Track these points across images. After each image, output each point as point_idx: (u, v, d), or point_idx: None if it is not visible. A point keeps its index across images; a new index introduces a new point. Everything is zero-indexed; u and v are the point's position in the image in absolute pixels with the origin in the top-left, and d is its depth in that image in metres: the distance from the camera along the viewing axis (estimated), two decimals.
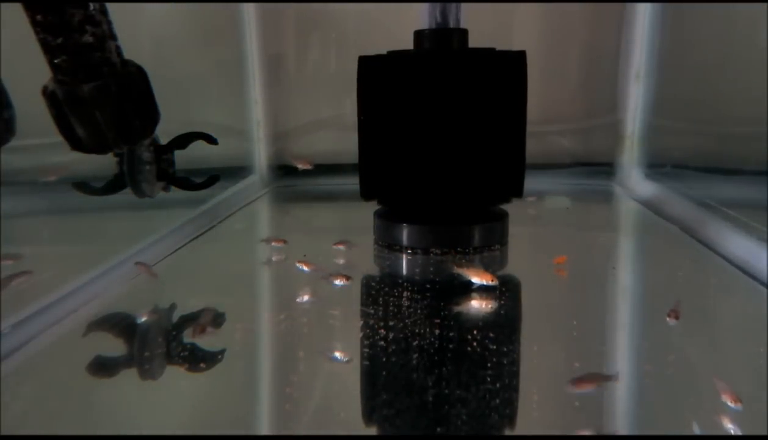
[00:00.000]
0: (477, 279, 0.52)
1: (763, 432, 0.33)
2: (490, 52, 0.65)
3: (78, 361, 0.43)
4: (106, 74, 0.50)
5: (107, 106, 0.51)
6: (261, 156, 1.10)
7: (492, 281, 0.52)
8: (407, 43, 0.67)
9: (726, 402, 0.37)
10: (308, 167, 0.52)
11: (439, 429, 0.34)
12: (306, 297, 0.54)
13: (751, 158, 0.69)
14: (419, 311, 0.49)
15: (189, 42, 0.91)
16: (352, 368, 0.41)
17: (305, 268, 0.60)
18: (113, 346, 0.46)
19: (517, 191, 0.67)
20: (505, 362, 0.41)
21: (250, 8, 1.06)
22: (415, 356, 0.42)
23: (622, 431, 0.34)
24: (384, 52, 0.66)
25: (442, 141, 0.63)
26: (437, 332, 0.45)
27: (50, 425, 0.34)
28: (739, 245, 0.62)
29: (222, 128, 0.98)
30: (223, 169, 0.78)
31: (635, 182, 0.99)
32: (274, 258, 0.66)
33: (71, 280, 0.54)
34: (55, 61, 0.48)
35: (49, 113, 0.52)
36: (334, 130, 1.10)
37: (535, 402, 0.36)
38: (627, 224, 0.87)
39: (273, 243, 0.69)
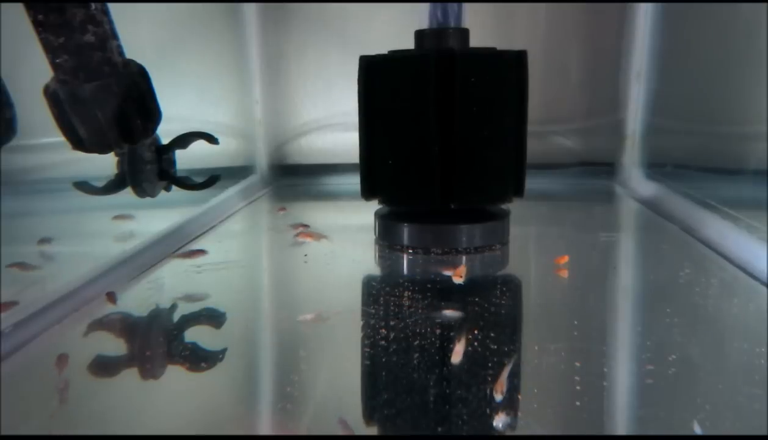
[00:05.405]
0: (448, 272, 0.55)
1: (763, 432, 0.33)
2: (491, 51, 0.65)
3: (78, 361, 0.43)
4: (107, 74, 0.50)
5: (108, 105, 0.51)
6: (261, 156, 1.10)
7: (459, 279, 0.54)
8: (408, 43, 0.67)
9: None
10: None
11: (439, 429, 0.34)
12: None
13: (751, 158, 0.69)
14: (420, 311, 0.49)
15: (189, 42, 0.91)
16: (353, 367, 0.41)
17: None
18: (114, 346, 0.46)
19: (518, 191, 0.67)
20: (505, 361, 0.41)
21: (250, 8, 1.06)
22: (416, 355, 0.42)
23: (623, 431, 0.34)
24: (385, 51, 0.66)
25: (443, 140, 0.63)
26: (438, 331, 0.45)
27: (50, 425, 0.34)
28: (740, 244, 0.62)
29: (222, 128, 0.98)
30: (223, 169, 0.77)
31: (636, 181, 0.99)
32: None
33: (71, 280, 0.54)
34: (57, 60, 0.48)
35: (51, 113, 0.52)
36: (335, 130, 1.10)
37: (536, 402, 0.36)
38: (628, 223, 0.87)
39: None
